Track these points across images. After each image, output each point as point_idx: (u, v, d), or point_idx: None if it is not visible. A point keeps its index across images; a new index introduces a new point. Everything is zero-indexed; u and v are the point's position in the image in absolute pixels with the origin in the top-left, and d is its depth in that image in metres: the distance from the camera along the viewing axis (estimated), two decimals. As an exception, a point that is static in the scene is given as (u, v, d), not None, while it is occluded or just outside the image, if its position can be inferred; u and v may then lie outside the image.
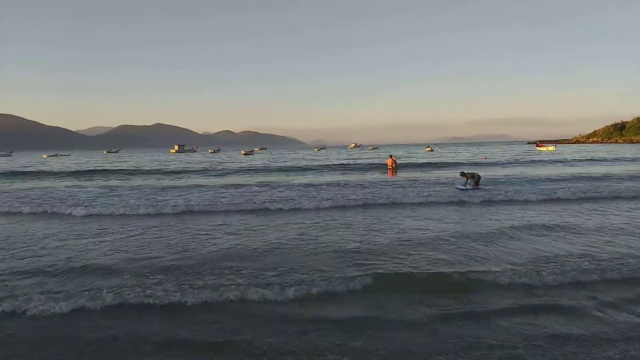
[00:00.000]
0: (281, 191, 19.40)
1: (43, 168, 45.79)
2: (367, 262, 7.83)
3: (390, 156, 35.98)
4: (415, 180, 23.40)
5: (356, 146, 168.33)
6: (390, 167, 33.66)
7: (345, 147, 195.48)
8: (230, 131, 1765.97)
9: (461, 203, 15.30)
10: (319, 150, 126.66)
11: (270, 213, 13.83)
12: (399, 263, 7.72)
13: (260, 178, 28.51)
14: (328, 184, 21.99)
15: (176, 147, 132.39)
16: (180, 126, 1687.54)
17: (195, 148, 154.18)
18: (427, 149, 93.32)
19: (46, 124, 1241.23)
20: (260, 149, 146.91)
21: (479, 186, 18.75)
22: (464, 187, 18.61)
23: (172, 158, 77.61)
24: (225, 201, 16.10)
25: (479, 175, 19.14)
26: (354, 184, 22.19)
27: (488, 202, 15.31)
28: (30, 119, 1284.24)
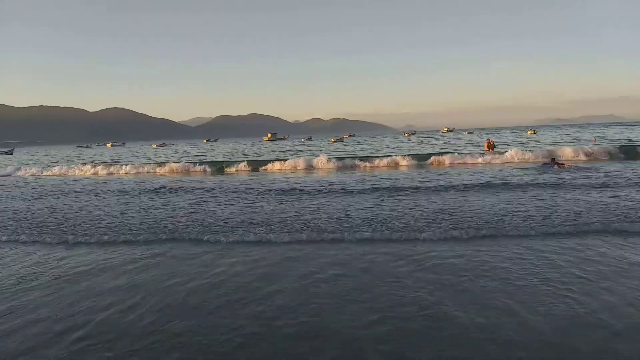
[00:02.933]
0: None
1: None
2: None
3: (488, 139, 36.06)
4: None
5: (449, 130, 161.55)
6: (488, 151, 33.34)
7: (436, 131, 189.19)
8: (319, 119, 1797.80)
9: None
10: (409, 135, 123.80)
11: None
12: None
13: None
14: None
15: (269, 135, 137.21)
16: (272, 115, 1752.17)
17: (286, 137, 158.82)
18: (530, 132, 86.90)
19: (153, 115, 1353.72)
20: (349, 136, 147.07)
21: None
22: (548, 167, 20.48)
23: (266, 146, 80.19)
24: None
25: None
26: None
27: None
28: (139, 111, 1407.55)
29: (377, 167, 27.49)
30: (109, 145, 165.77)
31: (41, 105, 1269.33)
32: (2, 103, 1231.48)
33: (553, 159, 21.70)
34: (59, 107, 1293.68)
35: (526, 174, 18.75)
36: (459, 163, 27.05)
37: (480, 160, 26.94)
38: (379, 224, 9.85)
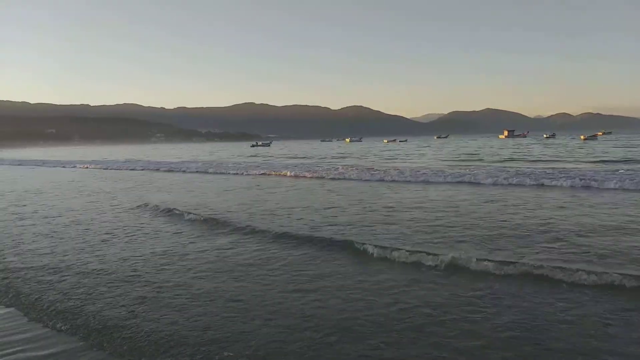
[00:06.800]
0: None
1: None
2: None
3: None
4: None
5: None
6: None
7: None
8: (566, 113, 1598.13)
9: None
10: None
11: None
12: None
13: None
14: None
15: (505, 133, 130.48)
16: (510, 110, 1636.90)
17: (525, 133, 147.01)
18: None
19: (387, 112, 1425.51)
20: (603, 133, 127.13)
21: None
22: None
23: (496, 143, 76.92)
24: None
25: None
26: None
27: None
28: (374, 108, 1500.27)
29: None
30: (347, 140, 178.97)
31: (294, 104, 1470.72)
32: (265, 103, 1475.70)
33: None
34: (308, 105, 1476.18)
35: None
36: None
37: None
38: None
